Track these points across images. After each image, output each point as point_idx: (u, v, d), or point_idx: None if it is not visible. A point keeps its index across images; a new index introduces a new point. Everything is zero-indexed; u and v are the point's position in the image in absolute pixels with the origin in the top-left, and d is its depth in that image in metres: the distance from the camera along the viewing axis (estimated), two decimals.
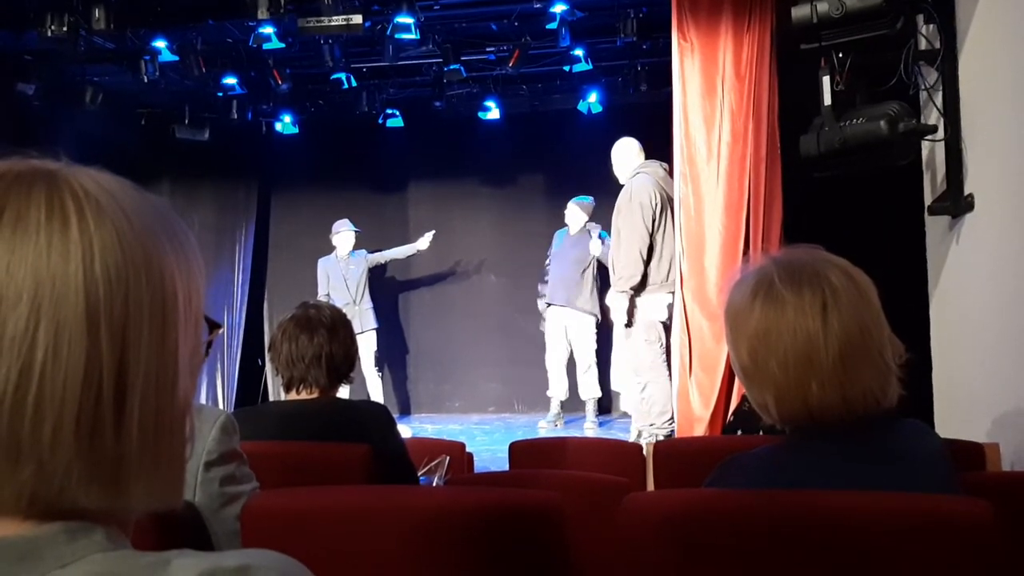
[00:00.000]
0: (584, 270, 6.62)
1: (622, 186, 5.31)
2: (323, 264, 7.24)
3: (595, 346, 6.62)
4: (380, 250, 7.46)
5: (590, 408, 6.66)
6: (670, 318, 4.84)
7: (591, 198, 6.70)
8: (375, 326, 7.15)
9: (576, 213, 6.69)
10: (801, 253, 1.34)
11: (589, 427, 6.54)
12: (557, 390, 6.78)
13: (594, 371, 6.59)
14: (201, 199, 7.86)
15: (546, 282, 6.86)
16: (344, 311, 7.29)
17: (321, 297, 6.95)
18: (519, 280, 7.81)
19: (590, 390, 6.64)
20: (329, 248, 7.29)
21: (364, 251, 7.33)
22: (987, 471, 2.41)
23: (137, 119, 7.43)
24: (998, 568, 1.08)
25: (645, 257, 4.98)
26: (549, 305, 6.74)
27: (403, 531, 1.31)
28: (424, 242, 7.26)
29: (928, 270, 3.99)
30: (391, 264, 7.76)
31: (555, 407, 6.79)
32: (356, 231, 7.23)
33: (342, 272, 7.14)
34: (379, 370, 7.19)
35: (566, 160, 7.45)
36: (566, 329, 6.67)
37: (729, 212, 4.44)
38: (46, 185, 0.58)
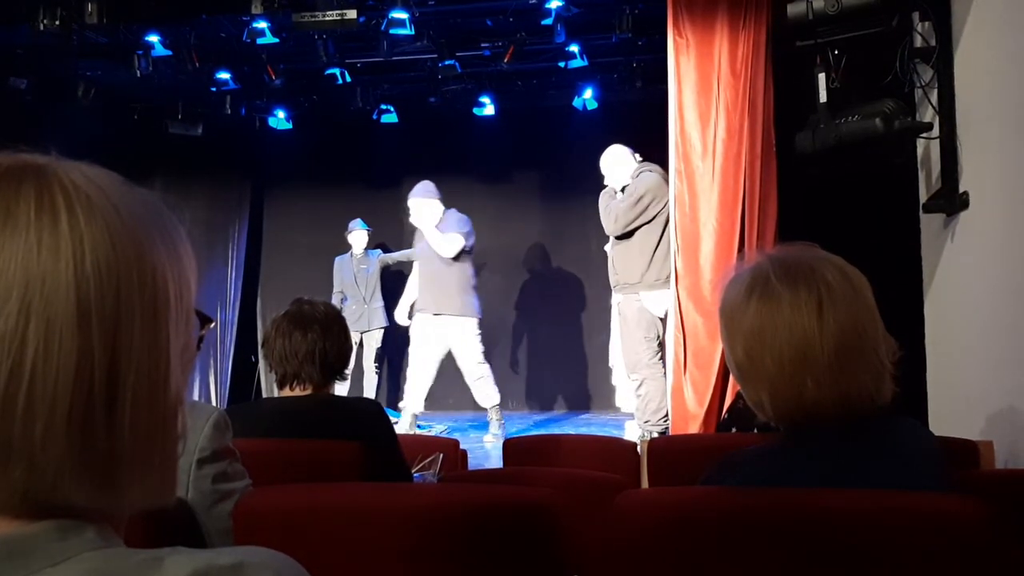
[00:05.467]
0: (455, 269, 5.88)
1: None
2: (338, 262, 7.29)
3: (482, 348, 5.94)
4: (390, 250, 7.46)
5: (493, 417, 5.94)
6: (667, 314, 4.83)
7: (427, 183, 6.05)
8: (384, 324, 7.13)
9: (432, 207, 5.93)
10: (796, 250, 1.34)
11: (490, 439, 5.77)
12: (414, 402, 5.88)
13: (488, 376, 5.92)
14: (194, 195, 7.83)
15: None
16: (353, 309, 7.26)
17: (335, 295, 7.02)
18: (513, 276, 7.80)
19: (489, 397, 5.92)
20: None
21: (379, 250, 7.37)
22: (981, 469, 2.42)
23: (130, 114, 7.40)
24: (992, 566, 1.08)
25: (654, 250, 4.97)
26: (416, 312, 5.98)
27: (397, 529, 1.31)
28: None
29: (923, 268, 4.00)
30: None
31: (408, 419, 5.82)
32: (368, 229, 7.26)
33: (354, 270, 7.17)
34: (378, 367, 7.19)
35: (561, 156, 7.45)
36: (438, 337, 5.84)
37: (724, 209, 4.43)
38: (35, 180, 0.57)
